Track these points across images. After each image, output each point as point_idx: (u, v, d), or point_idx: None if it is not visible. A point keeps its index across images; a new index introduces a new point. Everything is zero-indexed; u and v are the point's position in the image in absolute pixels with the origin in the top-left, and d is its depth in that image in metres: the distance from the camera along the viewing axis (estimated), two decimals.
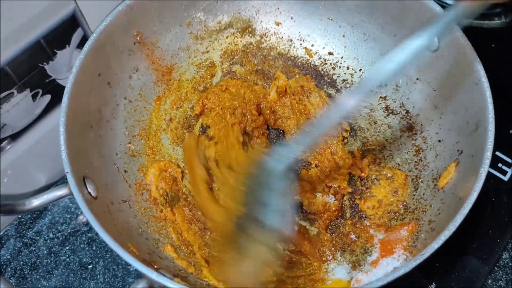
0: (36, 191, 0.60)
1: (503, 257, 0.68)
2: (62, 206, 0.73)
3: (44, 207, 0.65)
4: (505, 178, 0.73)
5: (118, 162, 0.64)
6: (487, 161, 0.50)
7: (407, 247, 0.56)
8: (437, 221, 0.54)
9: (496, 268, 0.68)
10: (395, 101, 0.70)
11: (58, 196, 0.51)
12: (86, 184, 0.54)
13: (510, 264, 0.68)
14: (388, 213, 0.63)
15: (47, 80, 0.66)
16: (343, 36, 0.73)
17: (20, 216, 0.72)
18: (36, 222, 0.72)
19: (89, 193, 0.53)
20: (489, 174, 0.72)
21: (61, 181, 0.75)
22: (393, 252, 0.56)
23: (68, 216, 0.72)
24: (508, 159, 0.74)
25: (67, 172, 0.50)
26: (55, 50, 0.65)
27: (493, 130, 0.52)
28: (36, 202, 0.51)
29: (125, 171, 0.64)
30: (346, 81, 0.74)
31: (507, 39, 0.84)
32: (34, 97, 0.66)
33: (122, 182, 0.63)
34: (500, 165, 0.74)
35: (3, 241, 0.70)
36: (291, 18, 0.75)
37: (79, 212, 0.72)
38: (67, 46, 0.66)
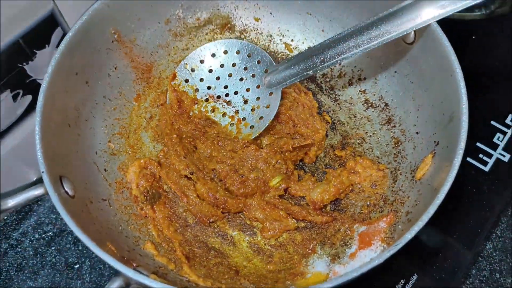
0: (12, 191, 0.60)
1: (487, 247, 0.69)
2: (48, 206, 0.73)
3: (22, 206, 0.65)
4: (486, 169, 0.74)
5: (98, 161, 0.64)
6: (460, 151, 0.50)
7: (385, 239, 0.57)
8: (414, 212, 0.55)
9: (480, 258, 0.68)
10: (374, 95, 0.71)
11: (34, 195, 0.51)
12: (63, 183, 0.53)
13: (494, 254, 0.69)
14: (368, 205, 0.64)
15: (27, 81, 0.66)
16: (322, 30, 0.73)
17: (5, 217, 0.72)
18: (21, 223, 0.72)
19: (66, 192, 0.53)
20: (470, 165, 0.73)
21: (39, 180, 0.75)
22: (371, 244, 0.57)
23: (54, 216, 0.72)
24: (489, 150, 0.75)
25: (42, 172, 0.50)
26: (34, 50, 0.65)
27: (467, 121, 0.52)
28: (12, 202, 0.51)
29: (105, 170, 0.64)
30: (325, 76, 0.74)
31: (487, 30, 0.85)
32: (15, 97, 0.66)
33: (102, 181, 0.63)
34: (481, 155, 0.75)
35: None
36: (270, 13, 0.75)
37: None
38: (46, 46, 0.66)
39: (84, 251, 0.69)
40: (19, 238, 0.71)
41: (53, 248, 0.70)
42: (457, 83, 0.55)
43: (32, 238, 0.71)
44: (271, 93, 0.67)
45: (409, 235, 0.46)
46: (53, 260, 0.69)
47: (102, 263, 0.68)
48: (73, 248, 0.70)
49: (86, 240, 0.47)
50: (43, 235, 0.71)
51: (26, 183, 0.73)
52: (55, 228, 0.71)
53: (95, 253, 0.63)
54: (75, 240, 0.70)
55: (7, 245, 0.70)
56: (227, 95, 0.70)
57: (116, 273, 0.48)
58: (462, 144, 0.51)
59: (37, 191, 0.51)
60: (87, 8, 0.62)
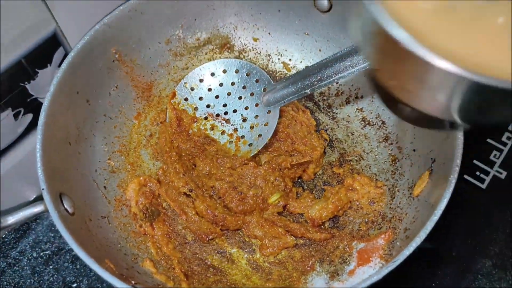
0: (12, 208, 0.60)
1: (486, 264, 0.69)
2: (46, 224, 0.73)
3: (21, 224, 0.65)
4: (483, 186, 0.74)
5: (98, 179, 0.64)
6: (456, 168, 0.51)
7: (383, 256, 0.57)
8: (412, 229, 0.55)
9: (479, 276, 0.68)
10: (371, 113, 0.72)
11: (34, 213, 0.52)
12: (62, 201, 0.54)
13: (493, 271, 0.69)
14: (366, 222, 0.64)
15: (28, 99, 0.67)
16: (320, 50, 0.74)
17: (3, 236, 0.72)
18: (19, 242, 0.72)
19: (66, 209, 0.53)
20: (467, 182, 0.74)
21: (38, 197, 0.75)
22: (370, 261, 0.57)
23: (52, 235, 0.72)
24: (486, 167, 0.75)
25: (42, 189, 0.51)
26: (36, 70, 0.65)
27: (462, 138, 0.53)
28: (12, 219, 0.51)
29: (105, 187, 0.65)
30: (323, 94, 0.75)
31: None
32: (16, 116, 0.66)
33: (101, 198, 0.63)
34: (478, 173, 0.75)
35: None
36: (269, 33, 0.76)
37: None
38: (48, 65, 0.67)
39: (82, 270, 0.69)
40: (17, 257, 0.70)
41: (50, 267, 0.69)
42: None
43: (30, 257, 0.70)
44: (269, 111, 0.68)
45: (407, 252, 0.46)
46: (51, 279, 0.68)
47: (100, 282, 0.68)
48: (71, 267, 0.69)
49: (85, 258, 0.47)
50: (41, 253, 0.71)
51: (25, 200, 0.74)
52: (53, 246, 0.71)
53: (93, 271, 0.64)
54: (73, 259, 0.70)
55: (4, 263, 0.69)
56: (226, 113, 0.71)
57: None
58: (458, 161, 0.51)
59: (37, 209, 0.52)
60: (89, 29, 0.64)
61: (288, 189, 0.66)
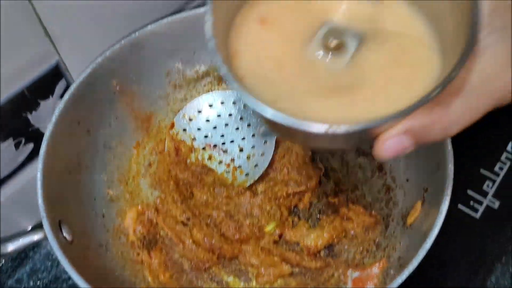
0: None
1: None
2: (44, 253, 0.73)
3: (20, 251, 0.66)
4: (477, 216, 0.75)
5: (96, 207, 0.65)
6: (447, 197, 0.52)
7: (378, 284, 0.57)
8: (405, 257, 0.55)
9: None
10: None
11: (33, 240, 0.52)
12: (62, 229, 0.54)
13: None
14: (361, 251, 0.64)
15: (30, 129, 0.68)
16: None
17: (0, 264, 0.72)
18: (16, 271, 0.72)
19: (65, 237, 0.54)
20: (460, 212, 0.75)
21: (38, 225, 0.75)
22: None
23: (49, 264, 0.72)
24: (479, 197, 0.76)
25: (42, 216, 0.51)
26: (38, 100, 0.67)
27: (452, 169, 0.54)
28: (11, 246, 0.52)
29: (103, 216, 0.65)
30: None
31: None
32: (17, 145, 0.67)
33: (100, 226, 0.64)
34: (471, 203, 0.76)
35: None
36: None
37: None
38: (50, 96, 0.68)
39: None
40: (14, 286, 0.70)
41: None
42: None
43: (27, 286, 0.70)
44: (265, 142, 0.70)
45: (399, 279, 0.47)
46: None
47: None
48: None
49: (83, 285, 0.47)
50: (38, 282, 0.70)
51: (24, 229, 0.74)
52: (50, 275, 0.71)
53: None
54: (70, 287, 0.70)
55: None
56: (223, 143, 0.72)
57: None
58: (448, 191, 0.53)
59: (36, 236, 0.52)
60: (91, 61, 0.66)
61: (284, 218, 0.67)
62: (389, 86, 0.36)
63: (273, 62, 0.39)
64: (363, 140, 0.37)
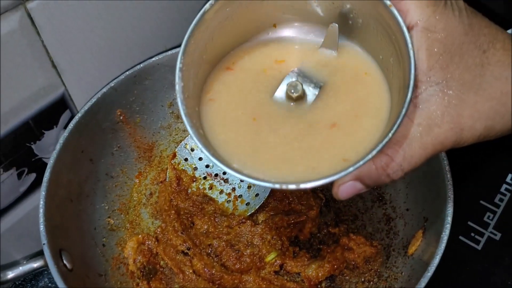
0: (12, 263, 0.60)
1: None
2: (41, 286, 0.72)
3: (21, 279, 0.65)
4: (479, 247, 0.74)
5: (97, 237, 0.65)
6: (448, 225, 0.52)
7: None
8: (407, 287, 0.55)
9: None
10: None
11: (33, 268, 0.52)
12: (62, 257, 0.54)
13: None
14: (362, 282, 0.64)
15: (33, 159, 0.68)
16: None
17: None
18: None
19: (65, 265, 0.54)
20: (462, 244, 0.74)
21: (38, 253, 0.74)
22: None
23: None
24: (480, 229, 0.76)
25: (43, 244, 0.51)
26: (42, 131, 0.67)
27: (452, 197, 0.55)
28: (11, 274, 0.51)
29: (103, 245, 0.65)
30: None
31: None
32: (19, 175, 0.67)
33: (99, 256, 0.64)
34: (473, 234, 0.75)
35: None
36: None
37: None
38: (54, 126, 0.69)
39: None
40: None
41: None
42: (440, 160, 0.58)
43: None
44: None
45: None
46: None
47: None
48: None
49: None
50: None
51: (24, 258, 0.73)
52: None
53: None
54: None
55: None
56: (224, 173, 0.73)
57: None
58: (449, 219, 0.53)
59: (36, 264, 0.52)
60: (96, 92, 0.67)
61: (285, 248, 0.66)
62: (339, 138, 0.41)
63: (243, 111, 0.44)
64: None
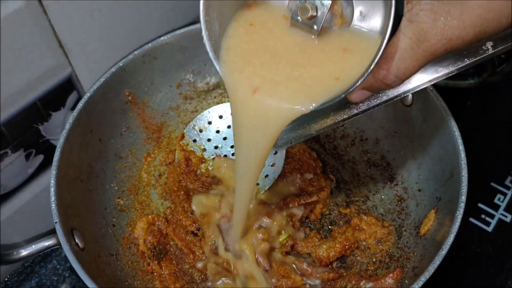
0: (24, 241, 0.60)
1: None
2: (50, 268, 0.73)
3: (32, 257, 0.65)
4: (489, 229, 0.74)
5: (107, 216, 0.65)
6: (462, 204, 0.52)
7: None
8: (420, 266, 0.55)
9: None
10: (376, 154, 0.73)
11: (46, 246, 0.52)
12: (74, 236, 0.54)
13: None
14: (374, 262, 0.64)
15: (41, 141, 0.68)
16: None
17: (6, 279, 0.71)
18: (22, 285, 0.71)
19: (77, 244, 0.54)
20: (473, 225, 0.74)
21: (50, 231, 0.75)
22: None
23: (55, 279, 0.71)
24: (491, 211, 0.76)
25: (55, 222, 0.51)
26: (50, 112, 0.67)
27: (466, 176, 0.54)
28: (24, 252, 0.52)
29: (114, 225, 0.65)
30: (329, 136, 0.77)
31: (481, 97, 0.89)
32: (27, 157, 0.67)
33: (110, 236, 0.64)
34: (483, 216, 0.75)
35: None
36: None
37: (66, 274, 0.72)
38: (62, 108, 0.68)
39: None
40: None
41: None
42: (455, 140, 0.58)
43: None
44: (276, 152, 0.70)
45: (416, 286, 0.46)
46: None
47: None
48: None
49: None
50: None
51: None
52: None
53: None
54: None
55: None
56: (233, 154, 0.72)
57: None
58: (463, 198, 0.52)
59: (48, 242, 0.52)
60: (103, 72, 0.66)
61: (296, 229, 0.66)
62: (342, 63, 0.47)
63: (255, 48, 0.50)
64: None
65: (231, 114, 0.52)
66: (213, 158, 0.72)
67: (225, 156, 0.72)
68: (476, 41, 0.42)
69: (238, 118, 0.50)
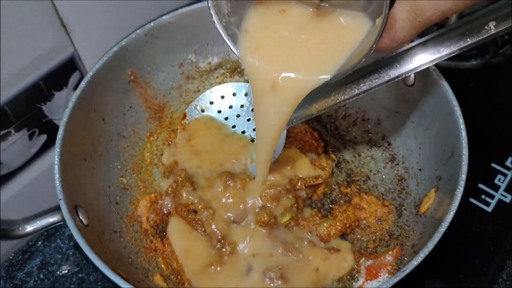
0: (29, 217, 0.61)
1: None
2: (54, 246, 0.73)
3: (37, 233, 0.66)
4: (489, 209, 0.75)
5: (110, 194, 0.66)
6: (462, 183, 0.52)
7: (392, 271, 0.57)
8: (419, 244, 0.56)
9: None
10: (377, 134, 0.73)
11: (50, 222, 0.53)
12: (78, 213, 0.55)
13: None
14: (374, 240, 0.64)
15: (44, 120, 0.68)
16: None
17: (11, 257, 0.72)
18: (27, 263, 0.72)
19: (81, 221, 0.55)
20: (473, 206, 0.75)
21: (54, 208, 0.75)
22: (378, 276, 0.57)
23: (59, 257, 0.73)
24: (491, 191, 0.76)
25: (60, 199, 0.52)
26: (52, 92, 0.68)
27: (467, 154, 0.55)
28: (29, 228, 0.52)
29: (117, 203, 0.66)
30: (330, 117, 0.77)
31: (484, 78, 0.89)
32: (30, 136, 0.68)
33: (114, 213, 0.65)
34: (483, 196, 0.76)
35: None
36: None
37: (70, 253, 0.73)
38: (64, 88, 0.69)
39: None
40: (24, 278, 0.70)
41: None
42: (456, 120, 0.58)
43: (37, 279, 0.70)
44: None
45: (415, 262, 0.47)
46: None
47: None
48: None
49: (102, 266, 0.48)
50: (48, 275, 0.71)
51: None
52: (60, 269, 0.71)
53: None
54: (80, 281, 0.70)
55: (11, 285, 0.69)
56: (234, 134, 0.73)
57: None
58: (463, 176, 0.53)
59: (53, 218, 0.53)
60: (107, 50, 0.67)
61: (300, 209, 0.67)
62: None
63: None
64: None
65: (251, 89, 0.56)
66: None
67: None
68: (468, 9, 0.47)
69: (258, 90, 0.54)
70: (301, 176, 0.67)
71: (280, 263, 0.61)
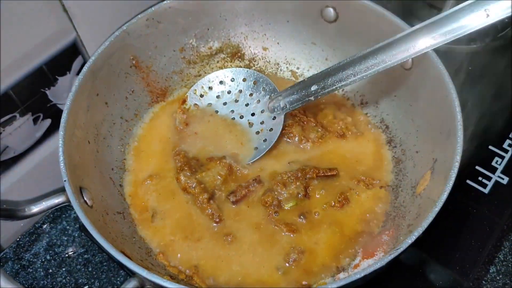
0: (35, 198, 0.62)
1: (490, 271, 0.69)
2: (60, 228, 0.75)
3: (43, 213, 0.67)
4: (486, 191, 0.75)
5: (114, 177, 0.67)
6: (456, 164, 0.53)
7: (388, 250, 0.59)
8: (414, 224, 0.56)
9: (483, 282, 0.68)
10: (375, 117, 0.74)
11: (55, 203, 0.54)
12: (82, 194, 0.56)
13: (497, 278, 0.69)
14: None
15: (48, 105, 0.69)
16: (326, 59, 0.78)
17: (18, 239, 0.74)
18: (34, 245, 0.73)
19: (85, 202, 0.56)
20: (469, 187, 0.75)
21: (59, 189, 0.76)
22: (374, 255, 0.59)
23: (65, 238, 0.74)
24: (488, 173, 0.77)
25: (64, 181, 0.53)
26: (56, 77, 0.68)
27: (462, 136, 0.55)
28: (35, 208, 0.54)
29: (120, 185, 0.67)
30: None
31: (484, 61, 0.89)
32: (35, 121, 0.69)
33: (117, 195, 0.66)
34: (480, 178, 0.77)
35: (1, 264, 0.71)
36: (278, 43, 0.79)
37: (76, 235, 0.74)
38: (67, 73, 0.70)
39: (94, 273, 0.70)
40: (31, 259, 0.72)
41: (63, 269, 0.70)
42: (452, 102, 0.58)
43: (44, 260, 0.72)
44: (274, 118, 0.71)
45: (409, 240, 0.48)
46: (64, 281, 0.69)
47: (111, 284, 0.69)
48: (83, 269, 0.71)
49: (106, 245, 0.49)
50: (55, 256, 0.72)
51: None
52: (66, 250, 0.72)
53: (104, 274, 0.65)
54: (86, 262, 0.71)
55: (19, 265, 0.71)
56: (233, 119, 0.74)
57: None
58: (458, 157, 0.54)
59: (58, 199, 0.54)
60: (109, 34, 0.67)
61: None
62: None
63: None
64: None
65: None
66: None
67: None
68: None
69: None
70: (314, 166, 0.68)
71: None
